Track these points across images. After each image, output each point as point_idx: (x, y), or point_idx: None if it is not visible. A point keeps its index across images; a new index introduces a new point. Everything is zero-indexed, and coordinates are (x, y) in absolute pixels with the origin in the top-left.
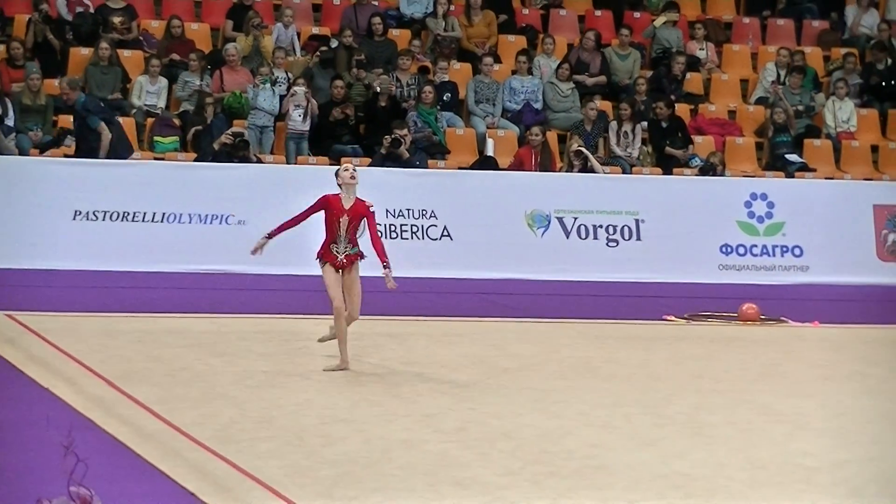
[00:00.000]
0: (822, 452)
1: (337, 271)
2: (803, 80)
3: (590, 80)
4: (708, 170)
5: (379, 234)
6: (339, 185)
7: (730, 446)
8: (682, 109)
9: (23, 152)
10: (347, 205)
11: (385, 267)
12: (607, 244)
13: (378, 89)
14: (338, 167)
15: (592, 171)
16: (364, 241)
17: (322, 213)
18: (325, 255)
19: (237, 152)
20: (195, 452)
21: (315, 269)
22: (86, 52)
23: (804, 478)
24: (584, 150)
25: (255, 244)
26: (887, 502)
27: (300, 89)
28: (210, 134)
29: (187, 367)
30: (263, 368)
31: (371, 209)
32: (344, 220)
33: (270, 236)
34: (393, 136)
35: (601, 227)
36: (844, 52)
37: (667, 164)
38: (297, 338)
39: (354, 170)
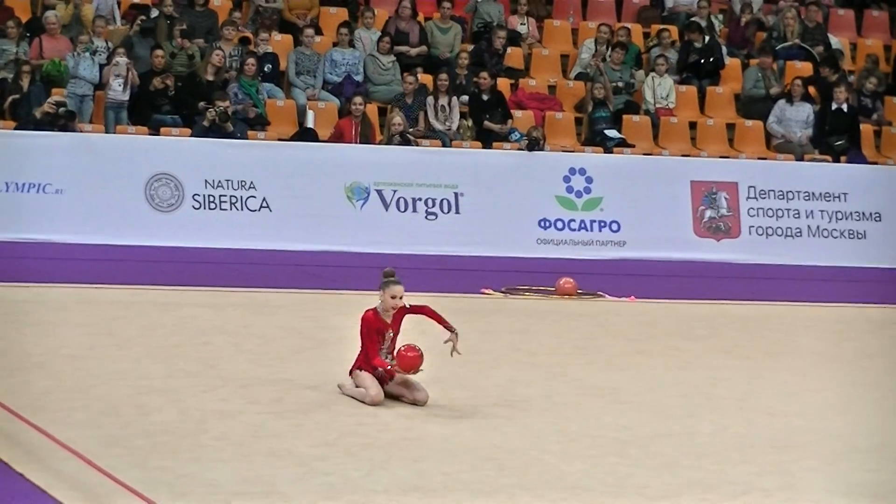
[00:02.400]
0: (635, 426)
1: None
2: (625, 56)
3: (413, 51)
4: (533, 144)
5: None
6: (381, 308)
7: (544, 419)
8: (502, 84)
9: None
10: (389, 320)
11: (451, 331)
12: (426, 217)
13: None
14: (386, 287)
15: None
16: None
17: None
18: (363, 366)
19: (59, 121)
20: (8, 422)
21: (140, 238)
22: None
23: (617, 451)
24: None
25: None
26: (700, 476)
27: (122, 59)
28: (28, 102)
29: (2, 336)
30: (80, 338)
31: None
32: (389, 335)
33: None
34: (218, 108)
35: (420, 199)
36: (660, 28)
37: (486, 139)
38: (113, 307)
39: (401, 298)
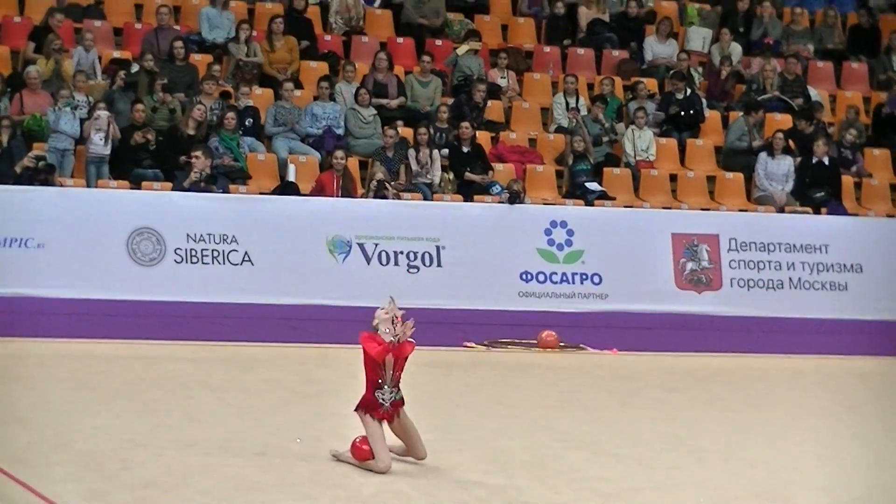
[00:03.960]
0: (618, 479)
1: (380, 422)
2: (605, 109)
3: (392, 103)
4: (514, 197)
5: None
6: (376, 327)
7: (528, 472)
8: (482, 137)
9: None
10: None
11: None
12: (408, 270)
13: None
14: (378, 309)
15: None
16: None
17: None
18: (368, 406)
19: (39, 176)
20: None
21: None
22: None
23: (600, 503)
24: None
25: None
26: None
27: (103, 113)
28: (10, 157)
29: None
30: (62, 392)
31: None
32: (389, 360)
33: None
34: (203, 173)
35: (402, 253)
36: (636, 80)
37: (467, 191)
38: (96, 362)
39: (392, 305)
